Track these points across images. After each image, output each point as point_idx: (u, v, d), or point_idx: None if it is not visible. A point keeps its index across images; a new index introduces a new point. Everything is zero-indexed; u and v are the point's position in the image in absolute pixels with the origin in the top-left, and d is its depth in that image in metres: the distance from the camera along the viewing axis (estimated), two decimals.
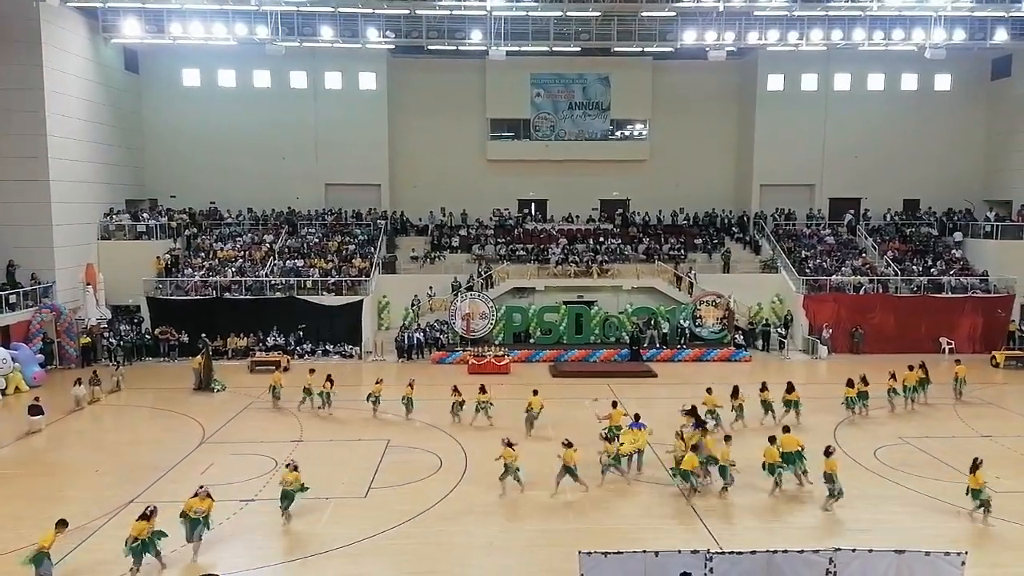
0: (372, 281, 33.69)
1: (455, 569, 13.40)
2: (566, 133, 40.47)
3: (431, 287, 34.07)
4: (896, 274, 34.44)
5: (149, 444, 20.42)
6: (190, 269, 33.55)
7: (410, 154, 40.00)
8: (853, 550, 11.22)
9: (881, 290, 33.81)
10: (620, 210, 40.10)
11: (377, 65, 38.14)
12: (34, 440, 21.04)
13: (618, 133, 41.16)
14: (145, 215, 35.69)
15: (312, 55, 37.09)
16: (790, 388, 21.80)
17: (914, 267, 35.01)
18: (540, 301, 34.11)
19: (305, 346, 31.82)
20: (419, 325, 32.55)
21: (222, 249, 35.29)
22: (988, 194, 39.14)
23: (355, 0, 31.88)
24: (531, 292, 34.67)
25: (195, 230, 36.80)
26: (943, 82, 39.16)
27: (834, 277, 34.29)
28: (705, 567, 10.93)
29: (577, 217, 39.84)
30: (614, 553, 11.14)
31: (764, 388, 21.88)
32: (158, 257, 33.62)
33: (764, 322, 33.70)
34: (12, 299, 28.52)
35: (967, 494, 15.38)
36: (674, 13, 33.21)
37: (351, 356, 31.74)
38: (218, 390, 26.10)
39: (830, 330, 32.30)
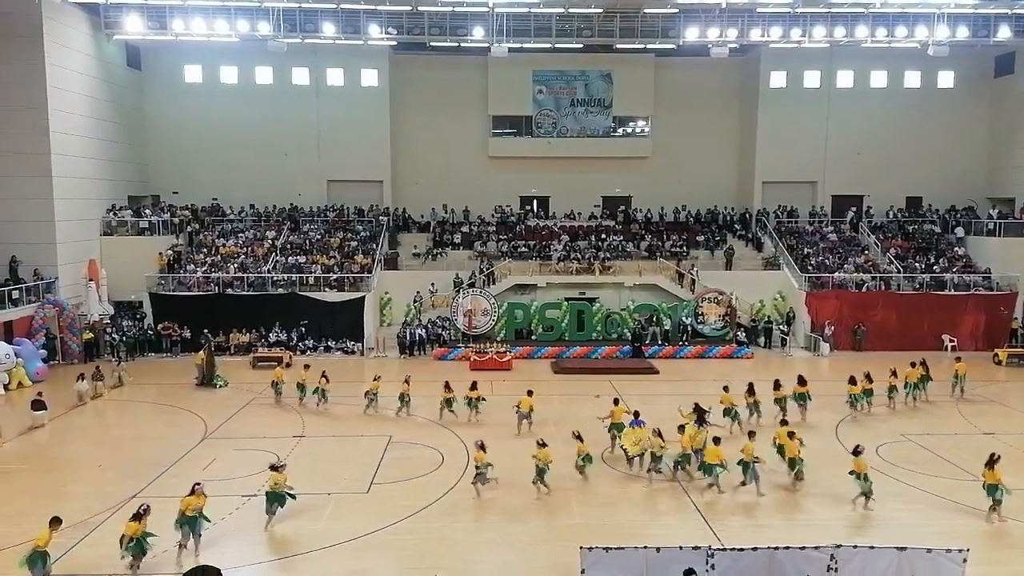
0: (374, 277, 33.71)
1: (457, 564, 13.42)
2: (568, 130, 40.43)
3: (433, 284, 34.09)
4: (898, 271, 34.40)
5: (151, 440, 20.45)
6: (192, 265, 33.59)
7: (412, 151, 39.99)
8: (855, 547, 11.24)
9: (883, 287, 33.77)
10: (622, 207, 40.09)
11: (379, 62, 38.12)
12: (37, 435, 21.08)
13: (620, 130, 41.10)
14: (148, 211, 35.74)
15: (314, 52, 37.09)
16: (801, 381, 21.85)
17: (917, 264, 34.97)
18: (542, 298, 34.11)
19: (307, 342, 31.87)
20: (421, 321, 32.58)
21: (224, 245, 35.32)
22: (991, 191, 39.07)
23: None
24: (533, 289, 34.66)
25: (197, 226, 36.83)
26: (946, 79, 39.07)
27: (836, 274, 34.25)
28: (707, 563, 10.96)
29: (579, 214, 39.83)
30: (616, 548, 11.17)
31: (777, 386, 21.92)
32: (160, 253, 33.67)
33: (766, 319, 33.68)
34: (15, 295, 28.57)
35: (984, 489, 15.18)
36: (676, 10, 33.16)
37: (353, 352, 31.79)
38: (220, 386, 26.14)
39: (832, 327, 32.29)
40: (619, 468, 17.95)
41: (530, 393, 21.08)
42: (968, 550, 11.20)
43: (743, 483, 16.55)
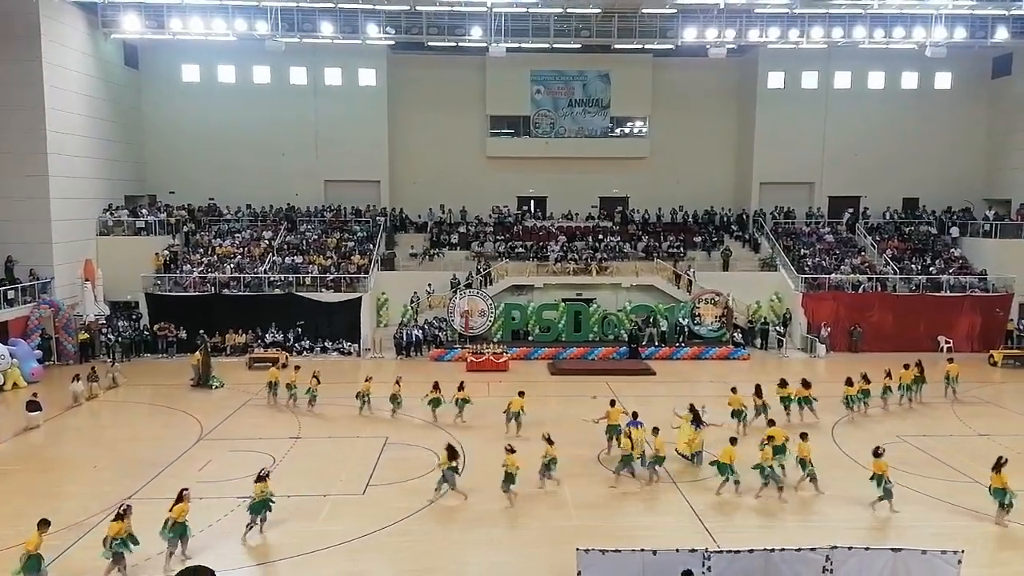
0: (371, 278, 33.67)
1: (453, 566, 13.40)
2: (566, 130, 40.43)
3: (430, 284, 34.07)
4: (895, 273, 34.44)
5: (147, 440, 20.40)
6: (189, 265, 33.53)
7: (410, 151, 39.96)
8: (850, 548, 11.25)
9: (880, 288, 33.81)
10: (619, 208, 40.09)
11: (377, 61, 38.08)
12: (32, 436, 21.02)
13: (618, 130, 41.12)
14: (144, 211, 35.68)
15: (312, 51, 37.04)
16: (806, 384, 21.86)
17: (913, 266, 35.02)
18: (539, 298, 34.11)
19: (304, 343, 31.83)
20: (418, 322, 32.55)
21: (221, 245, 35.26)
22: (988, 193, 39.14)
23: None
24: (530, 289, 34.65)
25: (194, 226, 36.75)
26: (943, 80, 39.14)
27: (833, 275, 34.28)
28: (703, 565, 10.96)
29: (576, 214, 39.83)
30: (612, 551, 11.16)
31: (783, 384, 21.90)
32: (157, 253, 33.60)
33: (763, 320, 33.71)
34: (11, 295, 28.49)
35: (990, 493, 15.10)
36: (675, 10, 33.13)
37: (350, 353, 31.73)
38: (216, 387, 26.09)
39: (828, 328, 32.31)
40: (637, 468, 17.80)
41: (521, 394, 20.93)
42: (963, 551, 11.21)
43: (764, 485, 16.35)
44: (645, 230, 38.39)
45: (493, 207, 39.56)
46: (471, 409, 21.93)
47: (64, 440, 20.85)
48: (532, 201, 41.10)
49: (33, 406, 21.66)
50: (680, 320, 32.48)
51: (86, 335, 30.37)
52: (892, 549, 11.25)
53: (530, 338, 32.67)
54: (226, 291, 32.28)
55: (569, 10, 32.79)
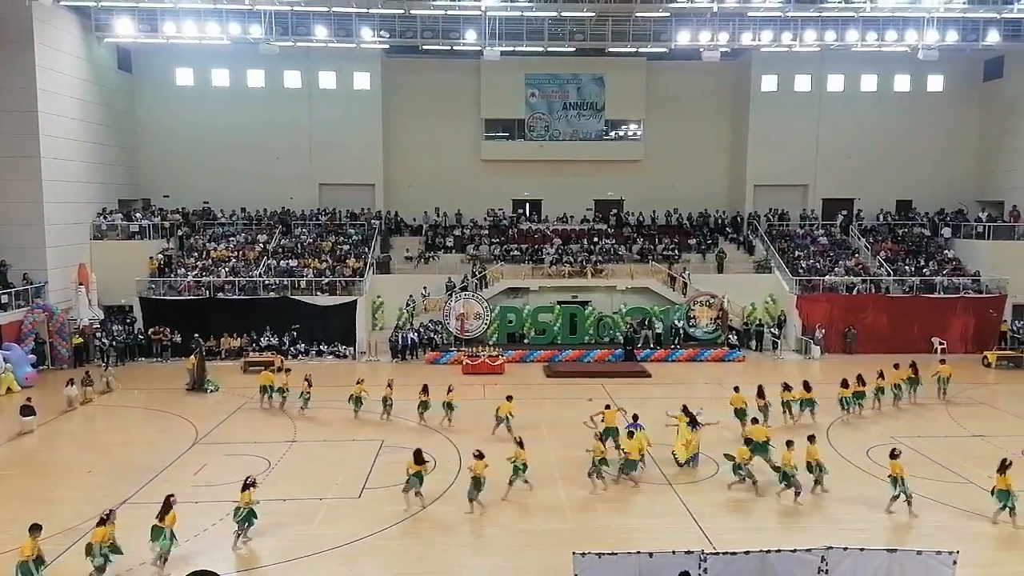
0: (366, 281, 33.63)
1: (449, 570, 13.38)
2: (560, 133, 40.51)
3: (425, 287, 34.06)
4: (889, 274, 34.57)
5: (142, 444, 20.34)
6: (183, 269, 33.45)
7: (404, 154, 39.97)
8: (845, 549, 11.27)
9: (874, 290, 33.93)
10: (614, 210, 40.15)
11: (371, 65, 38.09)
12: (26, 441, 20.95)
13: (612, 133, 41.21)
14: (138, 215, 35.57)
15: (306, 55, 37.04)
16: (807, 387, 21.94)
17: (907, 267, 35.16)
18: (534, 301, 34.12)
19: (299, 346, 31.76)
20: (413, 325, 32.53)
21: (215, 249, 35.19)
22: (980, 195, 39.34)
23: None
24: (525, 292, 34.68)
25: (188, 230, 36.67)
26: (936, 83, 39.37)
27: (827, 277, 34.40)
28: (699, 567, 10.96)
29: (571, 217, 39.87)
30: (608, 554, 11.17)
31: (787, 388, 22.00)
32: (151, 257, 33.49)
33: (757, 322, 33.79)
34: (4, 299, 28.41)
35: (994, 495, 15.06)
36: (668, 14, 33.23)
37: (345, 357, 31.69)
38: (211, 390, 26.04)
39: (823, 330, 32.41)
40: (613, 472, 17.89)
41: (509, 398, 20.91)
42: (958, 552, 11.24)
43: (785, 487, 16.29)
44: (640, 233, 38.46)
45: (488, 210, 39.59)
46: (463, 412, 21.88)
47: (58, 444, 20.76)
48: (527, 204, 41.16)
49: (27, 411, 21.57)
50: (675, 322, 32.52)
51: (80, 339, 30.24)
52: (887, 550, 11.28)
53: (526, 341, 32.66)
54: (221, 295, 32.20)
55: (563, 14, 32.84)
